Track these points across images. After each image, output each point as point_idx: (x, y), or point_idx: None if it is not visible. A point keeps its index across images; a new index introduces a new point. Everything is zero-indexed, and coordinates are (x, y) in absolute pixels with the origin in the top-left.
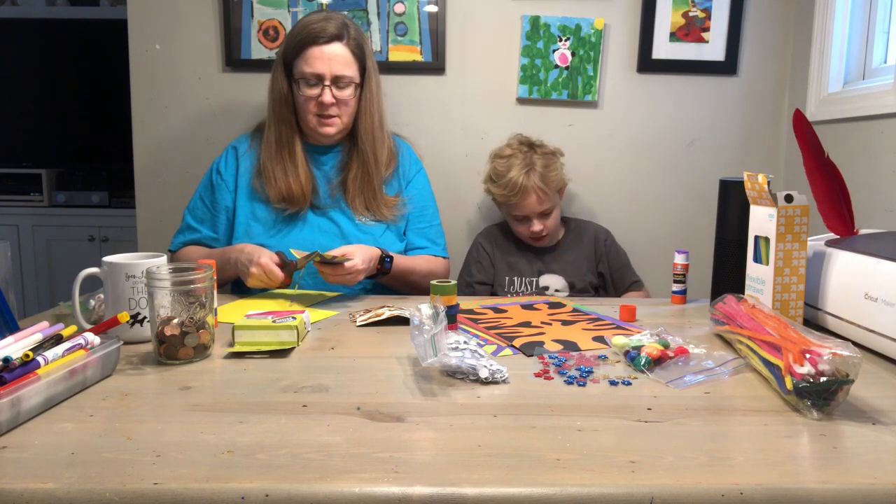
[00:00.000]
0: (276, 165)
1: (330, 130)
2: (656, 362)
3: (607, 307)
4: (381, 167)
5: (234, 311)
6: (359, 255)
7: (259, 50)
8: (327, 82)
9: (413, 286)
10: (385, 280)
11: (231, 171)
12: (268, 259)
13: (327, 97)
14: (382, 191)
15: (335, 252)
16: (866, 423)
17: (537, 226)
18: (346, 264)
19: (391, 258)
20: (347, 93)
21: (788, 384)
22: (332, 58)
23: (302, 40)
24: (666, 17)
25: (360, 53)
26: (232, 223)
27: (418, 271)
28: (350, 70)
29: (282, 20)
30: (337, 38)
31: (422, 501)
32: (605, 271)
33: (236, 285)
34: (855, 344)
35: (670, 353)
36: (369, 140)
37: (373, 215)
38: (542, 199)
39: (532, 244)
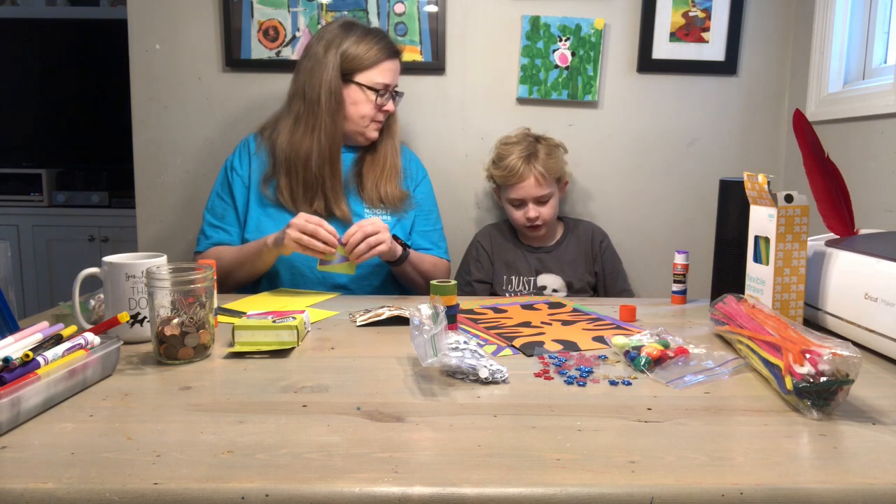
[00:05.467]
0: (322, 169)
1: (376, 135)
2: (656, 362)
3: (607, 307)
4: (399, 162)
5: (259, 303)
6: (377, 221)
7: (259, 50)
8: (388, 93)
9: (424, 276)
10: (402, 268)
11: (245, 167)
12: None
13: (392, 106)
14: (396, 183)
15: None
16: (866, 423)
17: (533, 211)
18: (369, 220)
19: (404, 240)
20: (395, 102)
21: (788, 384)
22: (397, 72)
23: (379, 52)
24: (666, 17)
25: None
26: (245, 217)
27: (426, 264)
28: (398, 83)
29: (282, 20)
30: (399, 54)
31: (422, 501)
32: (598, 271)
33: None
34: (855, 344)
35: (670, 353)
36: (396, 139)
37: (385, 207)
38: (540, 182)
39: (528, 234)
